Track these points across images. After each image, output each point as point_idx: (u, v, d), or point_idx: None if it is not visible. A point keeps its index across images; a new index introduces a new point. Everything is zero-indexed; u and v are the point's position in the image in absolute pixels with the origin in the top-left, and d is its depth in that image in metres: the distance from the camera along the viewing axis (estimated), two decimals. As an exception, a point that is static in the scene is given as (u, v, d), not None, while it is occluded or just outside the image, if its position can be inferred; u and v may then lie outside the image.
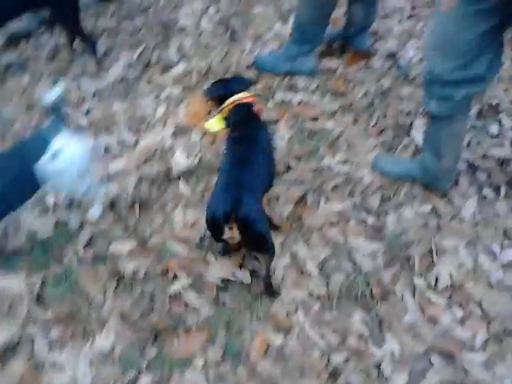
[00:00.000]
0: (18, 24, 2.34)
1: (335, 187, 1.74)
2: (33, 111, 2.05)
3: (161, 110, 2.05)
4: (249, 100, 1.52)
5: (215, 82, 1.63)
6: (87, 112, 2.05)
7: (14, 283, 1.44)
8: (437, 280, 1.49)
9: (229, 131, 1.50)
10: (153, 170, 1.78)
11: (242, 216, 1.23)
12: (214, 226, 1.29)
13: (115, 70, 2.26)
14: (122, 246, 1.53)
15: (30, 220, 1.61)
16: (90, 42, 2.22)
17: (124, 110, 2.05)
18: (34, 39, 2.42)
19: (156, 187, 1.73)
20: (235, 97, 1.51)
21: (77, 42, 2.27)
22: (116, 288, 1.44)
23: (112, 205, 1.67)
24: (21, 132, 1.95)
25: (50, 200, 1.68)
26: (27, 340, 1.33)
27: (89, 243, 1.55)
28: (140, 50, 2.38)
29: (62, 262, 1.50)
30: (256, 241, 1.32)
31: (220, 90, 1.56)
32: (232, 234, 1.28)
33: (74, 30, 2.16)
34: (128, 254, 1.51)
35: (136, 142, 1.89)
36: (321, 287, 1.47)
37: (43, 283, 1.45)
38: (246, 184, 1.30)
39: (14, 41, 2.38)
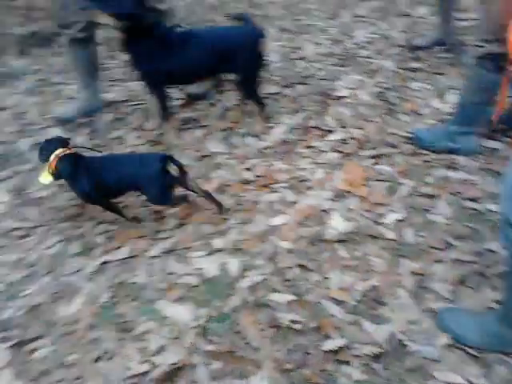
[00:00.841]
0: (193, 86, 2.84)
1: (500, 274, 1.77)
2: (204, 161, 2.42)
3: (319, 174, 2.27)
4: (67, 152, 2.01)
5: (43, 145, 2.06)
6: (251, 168, 2.35)
7: (183, 313, 1.69)
8: None
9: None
10: (311, 230, 1.98)
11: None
12: (166, 177, 1.95)
13: (277, 133, 2.57)
14: (281, 297, 1.71)
15: (199, 258, 1.89)
16: (261, 106, 2.58)
17: (284, 170, 2.32)
18: (207, 99, 2.87)
19: (313, 247, 1.91)
20: (55, 154, 1.99)
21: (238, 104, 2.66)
22: (273, 336, 1.61)
23: (271, 257, 1.88)
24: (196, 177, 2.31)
25: (217, 243, 1.95)
26: (190, 367, 1.54)
27: (251, 289, 1.76)
28: (300, 115, 2.69)
29: (226, 302, 1.72)
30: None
31: (44, 152, 2.02)
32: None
33: (252, 94, 2.54)
34: (286, 305, 1.69)
35: (295, 202, 2.12)
36: (480, 377, 1.49)
37: (208, 318, 1.67)
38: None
39: (191, 100, 2.85)
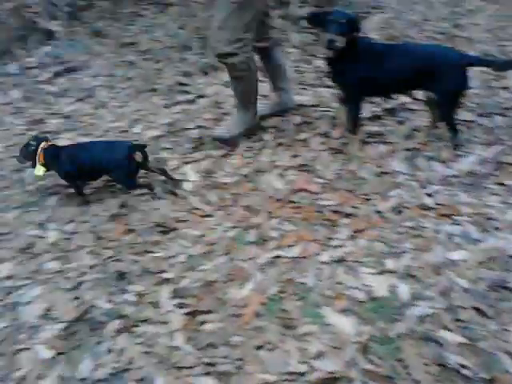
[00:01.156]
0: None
1: None
2: (383, 178, 2.39)
3: (509, 216, 2.10)
4: (49, 144, 2.53)
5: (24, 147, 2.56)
6: (432, 194, 2.27)
7: (347, 325, 1.69)
8: None
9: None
10: (493, 274, 1.84)
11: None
12: (133, 161, 2.42)
13: (466, 162, 2.43)
14: (452, 336, 1.62)
15: (368, 275, 1.89)
16: (453, 131, 2.48)
17: (469, 203, 2.19)
18: (395, 115, 2.83)
19: (494, 293, 1.77)
20: (40, 148, 2.49)
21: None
22: (437, 374, 1.53)
23: (445, 292, 1.79)
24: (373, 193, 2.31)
25: (389, 264, 1.93)
26: (347, 381, 1.54)
27: (419, 319, 1.70)
28: (495, 148, 2.51)
29: (391, 326, 1.68)
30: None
31: (29, 151, 2.51)
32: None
33: (447, 117, 2.46)
34: (456, 346, 1.60)
35: (480, 240, 1.99)
36: None
37: (371, 337, 1.65)
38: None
39: (378, 114, 2.84)
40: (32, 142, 2.53)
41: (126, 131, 3.03)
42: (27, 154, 2.53)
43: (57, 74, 3.89)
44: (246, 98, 2.74)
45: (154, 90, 3.48)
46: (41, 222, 2.42)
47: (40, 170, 2.51)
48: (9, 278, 2.12)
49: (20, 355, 1.77)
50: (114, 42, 4.24)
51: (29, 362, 1.73)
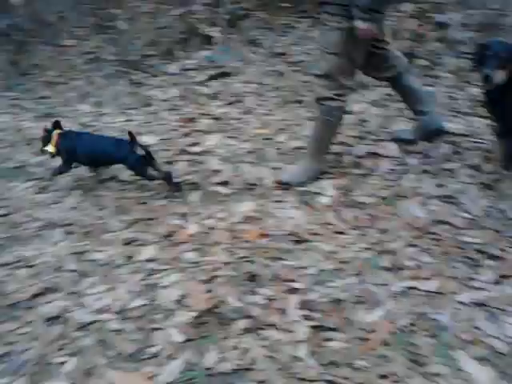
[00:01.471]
0: None
1: None
2: None
3: None
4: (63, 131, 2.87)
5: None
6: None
7: (482, 375, 1.58)
8: None
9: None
10: None
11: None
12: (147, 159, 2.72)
13: None
14: None
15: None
16: None
17: None
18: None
19: None
20: (55, 132, 2.82)
21: None
22: None
23: None
24: None
25: None
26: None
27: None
28: None
29: None
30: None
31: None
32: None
33: None
34: None
35: None
36: None
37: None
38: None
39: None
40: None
41: (270, 139, 3.13)
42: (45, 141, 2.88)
43: (211, 77, 4.15)
44: (320, 145, 2.71)
45: (300, 101, 3.55)
46: (183, 214, 2.59)
47: (51, 148, 2.84)
48: (151, 260, 2.30)
49: (155, 334, 1.91)
50: (266, 51, 4.42)
51: (162, 342, 1.86)
